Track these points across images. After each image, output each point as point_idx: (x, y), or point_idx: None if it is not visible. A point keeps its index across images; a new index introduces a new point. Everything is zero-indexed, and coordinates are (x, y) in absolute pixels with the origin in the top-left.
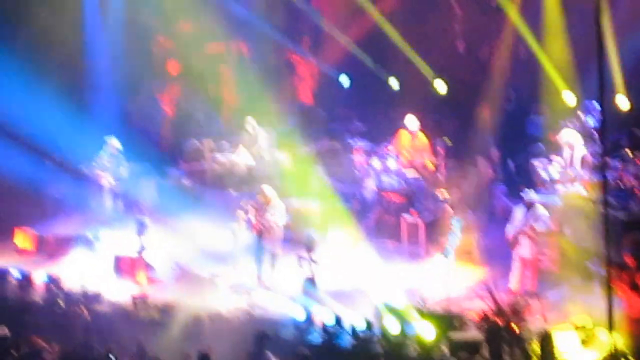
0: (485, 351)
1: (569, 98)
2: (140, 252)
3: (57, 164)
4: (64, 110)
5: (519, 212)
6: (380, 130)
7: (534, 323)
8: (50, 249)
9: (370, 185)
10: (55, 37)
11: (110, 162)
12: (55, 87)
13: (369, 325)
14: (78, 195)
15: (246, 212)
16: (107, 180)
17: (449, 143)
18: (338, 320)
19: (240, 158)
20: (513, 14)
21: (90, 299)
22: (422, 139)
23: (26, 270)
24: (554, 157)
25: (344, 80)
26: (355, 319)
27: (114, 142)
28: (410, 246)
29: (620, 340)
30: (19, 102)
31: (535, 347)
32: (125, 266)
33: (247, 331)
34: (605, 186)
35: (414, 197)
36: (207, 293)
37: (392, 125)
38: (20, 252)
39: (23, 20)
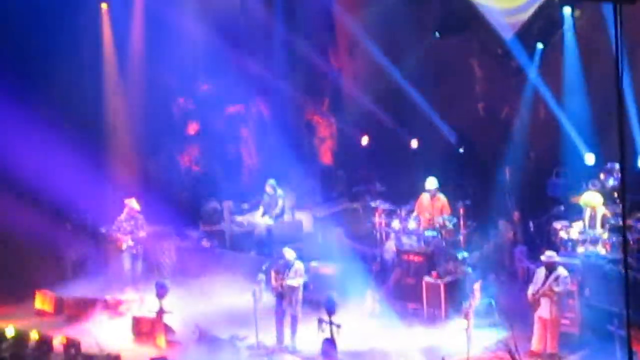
0: None
1: (590, 159)
2: (159, 315)
3: (77, 226)
4: (83, 171)
5: (539, 273)
6: (401, 191)
7: None
8: (70, 311)
9: (390, 247)
10: (75, 97)
11: (129, 225)
12: (75, 147)
13: None
14: (98, 257)
15: (266, 274)
16: (126, 242)
17: (469, 203)
18: None
19: (260, 219)
20: (533, 75)
21: None
22: (442, 199)
23: (45, 333)
24: (574, 218)
25: (365, 141)
26: None
27: (133, 204)
28: (430, 307)
29: None
30: (39, 162)
31: None
32: (144, 328)
33: None
34: (625, 247)
35: (434, 258)
36: (227, 356)
37: (412, 186)
38: (40, 314)
39: (43, 79)
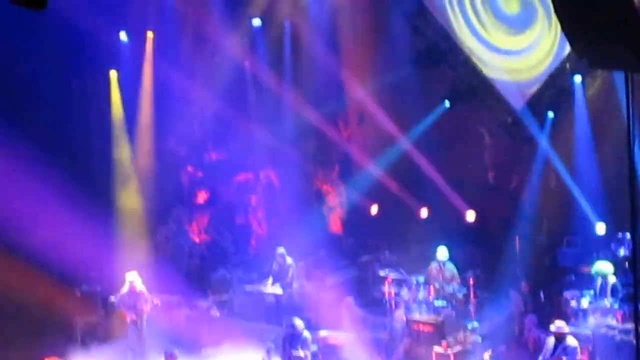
0: None
1: (601, 228)
2: None
3: (86, 293)
4: (94, 238)
5: (549, 343)
6: (410, 260)
7: None
8: None
9: (399, 316)
10: (84, 165)
11: (131, 299)
12: (85, 214)
13: None
14: (107, 326)
15: (275, 344)
16: (129, 316)
17: (479, 273)
18: None
19: (269, 289)
20: (544, 143)
21: None
22: (452, 269)
23: None
24: (585, 288)
25: (374, 210)
26: None
27: (135, 279)
28: None
29: None
30: (49, 229)
31: None
32: None
33: None
34: (637, 317)
35: (444, 328)
36: None
37: (421, 255)
38: None
39: (54, 146)
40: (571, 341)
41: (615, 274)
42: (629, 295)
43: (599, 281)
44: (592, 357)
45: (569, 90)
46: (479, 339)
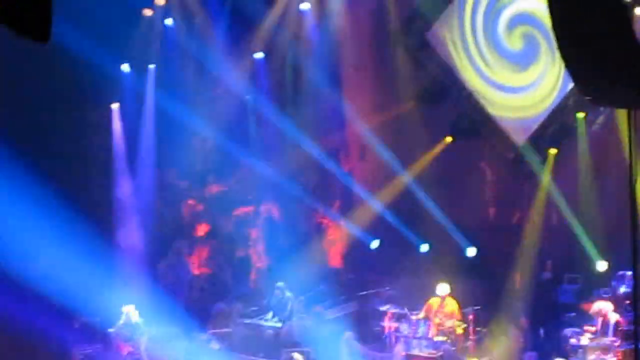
0: None
1: (602, 266)
2: None
3: (85, 324)
4: (93, 269)
5: None
6: (410, 296)
7: None
8: None
9: (399, 351)
10: (84, 196)
11: (128, 331)
12: (84, 245)
13: None
14: (105, 358)
15: None
16: (127, 348)
17: (479, 309)
18: None
19: (268, 322)
20: (545, 180)
21: None
22: (452, 304)
23: None
24: (585, 326)
25: (375, 244)
26: None
27: (131, 313)
28: None
29: None
30: (47, 259)
31: None
32: None
33: None
34: (637, 356)
35: None
36: None
37: (421, 290)
38: None
39: (53, 176)
40: None
41: (616, 311)
42: (629, 333)
43: (600, 320)
44: None
45: (571, 127)
46: None
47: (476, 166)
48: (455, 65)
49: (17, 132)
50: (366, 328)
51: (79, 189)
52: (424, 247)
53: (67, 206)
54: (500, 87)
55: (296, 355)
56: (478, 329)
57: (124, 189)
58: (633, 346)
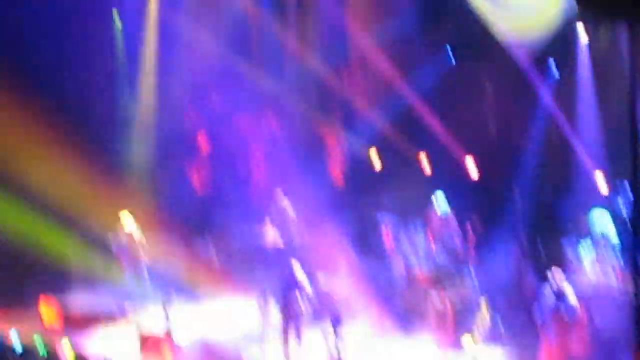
0: None
1: (601, 181)
2: (166, 331)
3: (85, 237)
4: (94, 180)
5: (547, 295)
6: (410, 211)
7: None
8: (76, 323)
9: (398, 266)
10: (86, 106)
11: (128, 243)
12: (85, 156)
13: None
14: (105, 269)
15: (272, 289)
16: (127, 260)
17: (478, 223)
18: None
19: (267, 233)
20: (547, 97)
21: None
22: (452, 218)
23: (52, 346)
24: (584, 240)
25: (375, 158)
26: None
27: (131, 223)
28: (437, 327)
29: None
30: (49, 168)
31: None
32: (151, 345)
33: None
34: (636, 272)
35: (443, 277)
36: None
37: (422, 205)
38: (45, 323)
39: (54, 88)
40: (570, 293)
41: (615, 228)
42: (628, 250)
43: (598, 234)
44: (590, 312)
45: (573, 45)
46: (477, 287)
47: (478, 82)
48: None
49: (17, 42)
50: (365, 241)
51: (80, 99)
52: (424, 161)
53: (68, 116)
54: (503, 4)
55: (295, 267)
56: (476, 241)
57: (125, 99)
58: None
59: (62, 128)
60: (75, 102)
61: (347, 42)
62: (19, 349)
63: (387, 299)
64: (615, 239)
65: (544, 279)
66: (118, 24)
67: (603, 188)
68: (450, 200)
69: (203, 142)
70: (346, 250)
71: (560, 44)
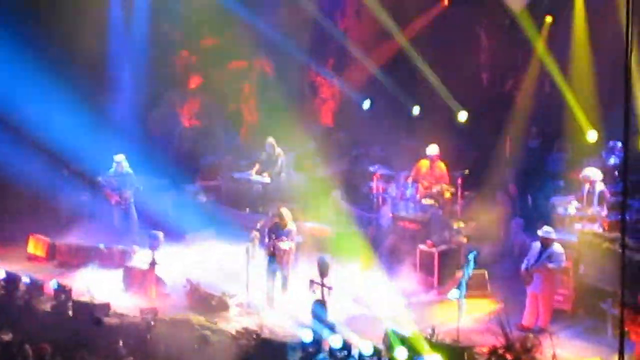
0: None
1: (592, 136)
2: (151, 266)
3: (74, 173)
4: (83, 119)
5: (534, 248)
6: (400, 157)
7: None
8: (62, 257)
9: (386, 212)
10: (78, 45)
11: (116, 181)
12: (75, 94)
13: (377, 352)
14: (93, 206)
15: (260, 233)
16: (115, 197)
17: (468, 174)
18: (346, 346)
19: (257, 177)
20: (540, 48)
21: (99, 309)
22: (441, 167)
23: (37, 278)
24: (573, 194)
25: (367, 105)
26: (363, 345)
27: (122, 162)
28: (423, 275)
29: None
30: (38, 107)
31: None
32: (135, 279)
33: (254, 352)
34: (624, 227)
35: (430, 226)
36: (216, 311)
37: (412, 152)
38: (32, 258)
39: (47, 25)
40: (557, 247)
41: (605, 182)
42: (617, 204)
43: (587, 188)
44: (577, 264)
45: None
46: (465, 239)
47: (472, 32)
48: None
49: None
50: (354, 188)
51: (72, 37)
52: (416, 110)
53: (59, 54)
54: None
55: (283, 211)
56: (466, 193)
57: (118, 37)
58: (620, 217)
59: (56, 65)
60: (69, 40)
61: None
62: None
63: (374, 245)
64: (604, 194)
65: (532, 232)
66: None
67: (595, 144)
68: (440, 149)
69: (195, 82)
70: (334, 195)
71: None
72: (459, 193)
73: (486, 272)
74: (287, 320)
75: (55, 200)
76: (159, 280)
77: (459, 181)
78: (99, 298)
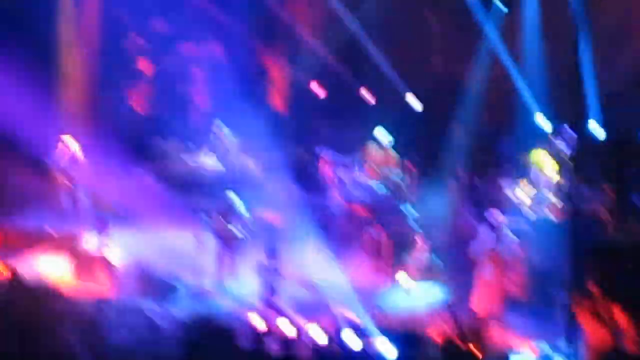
0: None
1: (543, 121)
2: (101, 250)
3: (21, 154)
4: (32, 98)
5: (484, 233)
6: (350, 142)
7: (494, 346)
8: (10, 241)
9: (336, 197)
10: (27, 25)
11: (63, 162)
12: (23, 75)
13: (329, 338)
14: (41, 189)
15: (210, 217)
16: (62, 179)
17: (419, 159)
18: (297, 331)
19: (206, 161)
20: (492, 34)
21: (49, 295)
22: (392, 153)
23: None
24: (523, 179)
25: (317, 89)
26: (314, 331)
27: (69, 142)
28: (373, 260)
29: None
30: None
31: None
32: (85, 263)
33: (204, 337)
34: (573, 213)
35: (380, 211)
36: (166, 296)
37: (362, 137)
38: None
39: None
40: (507, 232)
41: (557, 171)
42: (567, 191)
43: (537, 174)
44: (527, 250)
45: None
46: (414, 224)
47: (422, 16)
48: None
49: None
50: (304, 173)
51: (20, 18)
52: (367, 95)
53: (7, 34)
54: None
55: (234, 196)
56: (416, 177)
57: (68, 19)
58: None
59: (3, 45)
60: (18, 21)
61: None
62: None
63: (324, 230)
64: (554, 179)
65: (482, 217)
66: None
67: (544, 128)
68: (391, 135)
69: (145, 65)
70: (285, 180)
71: None
72: (409, 177)
73: (436, 257)
74: (237, 306)
75: (2, 182)
76: (108, 264)
77: (410, 166)
78: (48, 283)
